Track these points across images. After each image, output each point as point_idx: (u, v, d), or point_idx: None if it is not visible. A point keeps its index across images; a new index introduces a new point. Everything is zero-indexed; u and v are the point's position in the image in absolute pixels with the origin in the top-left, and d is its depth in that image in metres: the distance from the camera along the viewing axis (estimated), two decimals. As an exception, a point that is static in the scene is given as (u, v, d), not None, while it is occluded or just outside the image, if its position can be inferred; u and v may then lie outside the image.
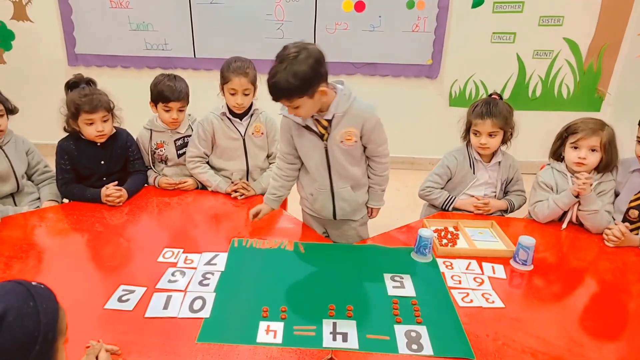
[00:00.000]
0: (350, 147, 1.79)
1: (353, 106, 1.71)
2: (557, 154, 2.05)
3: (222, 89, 2.17)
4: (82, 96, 1.99)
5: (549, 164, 2.08)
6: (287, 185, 1.94)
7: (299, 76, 1.52)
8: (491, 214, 2.11)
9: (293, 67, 1.52)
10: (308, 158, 1.85)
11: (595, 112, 3.86)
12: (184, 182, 2.24)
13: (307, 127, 1.75)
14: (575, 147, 1.96)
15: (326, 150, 1.79)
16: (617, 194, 2.00)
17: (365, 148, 1.84)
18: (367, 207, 2.01)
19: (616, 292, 1.61)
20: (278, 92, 1.56)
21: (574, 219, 1.99)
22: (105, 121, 2.05)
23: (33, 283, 0.90)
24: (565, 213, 2.01)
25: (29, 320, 0.82)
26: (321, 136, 1.76)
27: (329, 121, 1.72)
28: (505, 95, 3.77)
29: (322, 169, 1.84)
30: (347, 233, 2.00)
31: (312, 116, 1.71)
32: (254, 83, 2.15)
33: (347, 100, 1.70)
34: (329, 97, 1.66)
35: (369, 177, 1.93)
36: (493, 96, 2.10)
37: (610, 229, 1.88)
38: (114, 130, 2.14)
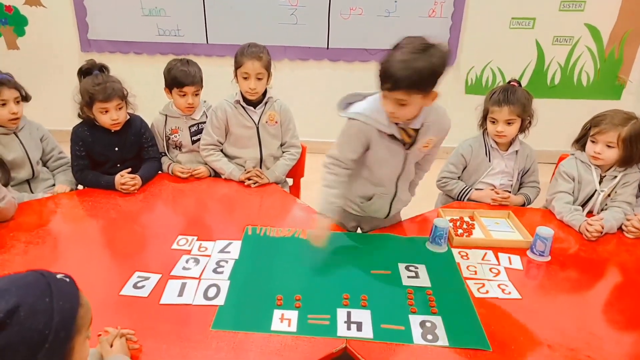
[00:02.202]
0: (422, 152, 1.73)
1: (438, 113, 1.62)
2: (581, 143, 2.01)
3: (236, 75, 2.14)
4: (95, 84, 1.98)
5: (572, 154, 2.04)
6: (343, 193, 1.72)
7: (428, 69, 1.40)
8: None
9: (426, 58, 1.39)
10: (381, 165, 1.72)
11: (615, 101, 3.78)
12: (197, 170, 2.23)
13: (391, 135, 1.63)
14: (594, 141, 1.91)
15: (405, 158, 1.72)
16: None
17: None
18: None
19: (636, 284, 1.58)
20: (404, 78, 1.39)
21: (594, 212, 1.95)
22: (119, 109, 2.05)
23: (58, 276, 0.88)
24: (584, 206, 1.97)
25: (41, 318, 0.80)
26: (403, 144, 1.67)
27: (416, 130, 1.63)
28: (523, 83, 3.67)
29: (394, 175, 1.77)
30: (385, 224, 1.95)
31: (397, 124, 1.59)
32: (267, 69, 2.12)
33: (433, 107, 1.58)
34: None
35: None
36: (512, 83, 2.06)
37: (629, 220, 1.84)
38: (128, 117, 2.14)
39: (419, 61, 1.39)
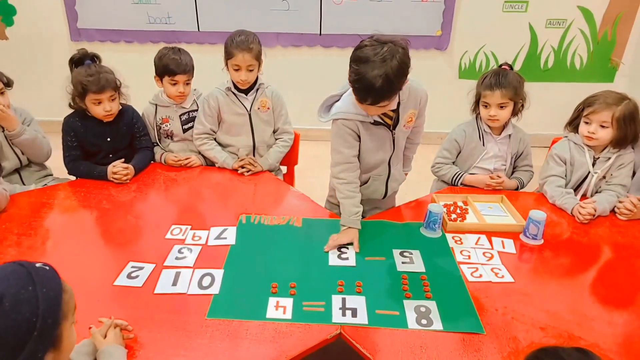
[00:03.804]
0: (409, 128, 1.78)
1: (411, 87, 1.64)
2: (573, 125, 2.00)
3: (226, 64, 2.13)
4: (88, 75, 1.96)
5: (565, 137, 2.04)
6: (360, 196, 1.76)
7: (400, 73, 1.43)
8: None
9: (394, 63, 1.41)
10: (374, 152, 1.77)
11: (608, 83, 3.77)
12: (188, 159, 2.22)
13: (375, 122, 1.68)
14: (587, 122, 1.91)
15: (393, 139, 1.76)
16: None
17: None
18: None
19: (628, 266, 1.59)
20: (385, 91, 1.43)
21: (588, 194, 1.96)
22: (112, 100, 2.03)
23: (37, 264, 0.87)
24: (577, 188, 1.98)
25: (27, 306, 0.79)
26: (388, 126, 1.72)
27: (395, 110, 1.68)
28: (517, 67, 3.68)
29: (386, 158, 1.82)
30: (387, 204, 2.01)
31: None
32: (258, 58, 2.11)
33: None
34: None
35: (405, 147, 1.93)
36: (503, 67, 2.05)
37: (622, 202, 1.85)
38: (120, 107, 2.11)
39: (390, 69, 1.40)
